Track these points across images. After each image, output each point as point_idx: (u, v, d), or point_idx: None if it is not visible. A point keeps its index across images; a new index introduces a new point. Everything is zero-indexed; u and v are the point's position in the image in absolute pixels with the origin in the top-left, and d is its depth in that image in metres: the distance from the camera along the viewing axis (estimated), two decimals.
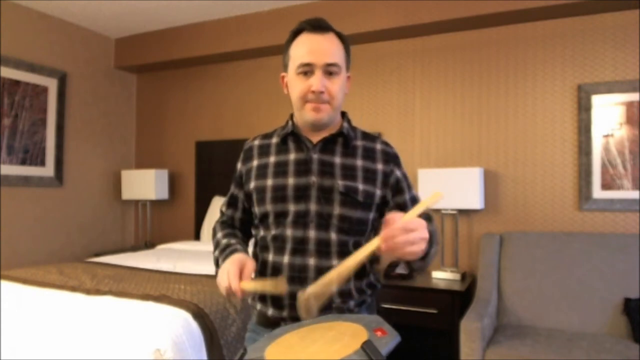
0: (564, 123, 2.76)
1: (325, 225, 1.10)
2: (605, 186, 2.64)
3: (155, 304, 1.83)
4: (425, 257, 1.04)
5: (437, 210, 2.85)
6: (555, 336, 2.24)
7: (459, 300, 2.49)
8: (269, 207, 1.13)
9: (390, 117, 3.22)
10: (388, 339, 0.76)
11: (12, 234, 3.18)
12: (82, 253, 3.66)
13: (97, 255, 3.52)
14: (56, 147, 3.47)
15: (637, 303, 2.22)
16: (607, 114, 2.65)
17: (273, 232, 1.14)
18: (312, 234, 1.10)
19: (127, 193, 3.84)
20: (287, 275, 1.10)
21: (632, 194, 2.58)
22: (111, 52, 3.98)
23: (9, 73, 3.16)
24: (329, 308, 1.07)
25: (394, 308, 2.58)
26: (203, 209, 3.74)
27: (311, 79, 1.09)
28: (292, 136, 1.18)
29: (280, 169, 1.15)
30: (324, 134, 1.16)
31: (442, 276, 2.77)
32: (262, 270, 1.16)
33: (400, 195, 1.18)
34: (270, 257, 1.14)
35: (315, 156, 1.14)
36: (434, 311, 2.51)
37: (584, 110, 2.69)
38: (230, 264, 1.04)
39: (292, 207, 1.11)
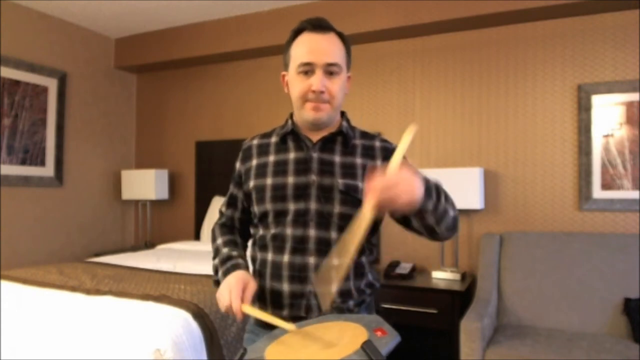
0: (564, 123, 2.76)
1: (326, 223, 1.10)
2: (605, 186, 2.64)
3: (155, 304, 1.83)
4: (426, 206, 0.98)
5: None
6: (555, 336, 2.23)
7: (459, 300, 2.49)
8: (268, 206, 1.13)
9: (390, 117, 3.21)
10: (388, 339, 0.76)
11: (12, 234, 3.18)
12: (82, 253, 3.66)
13: (97, 255, 3.52)
14: (56, 147, 3.47)
15: (637, 303, 2.22)
16: (607, 114, 2.64)
17: (272, 231, 1.13)
18: (312, 232, 1.10)
19: (127, 193, 3.84)
20: (287, 274, 1.10)
21: (632, 194, 2.58)
22: (111, 52, 3.98)
23: (9, 73, 3.16)
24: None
25: (394, 308, 2.58)
26: (203, 209, 3.73)
27: (311, 79, 1.09)
28: (292, 135, 1.18)
29: (280, 168, 1.15)
30: (324, 133, 1.16)
31: (442, 276, 2.77)
32: (262, 269, 1.16)
33: None
34: (270, 256, 1.13)
35: (315, 155, 1.14)
36: (434, 311, 2.51)
37: (584, 110, 2.69)
38: (234, 283, 1.04)
39: (292, 206, 1.11)
